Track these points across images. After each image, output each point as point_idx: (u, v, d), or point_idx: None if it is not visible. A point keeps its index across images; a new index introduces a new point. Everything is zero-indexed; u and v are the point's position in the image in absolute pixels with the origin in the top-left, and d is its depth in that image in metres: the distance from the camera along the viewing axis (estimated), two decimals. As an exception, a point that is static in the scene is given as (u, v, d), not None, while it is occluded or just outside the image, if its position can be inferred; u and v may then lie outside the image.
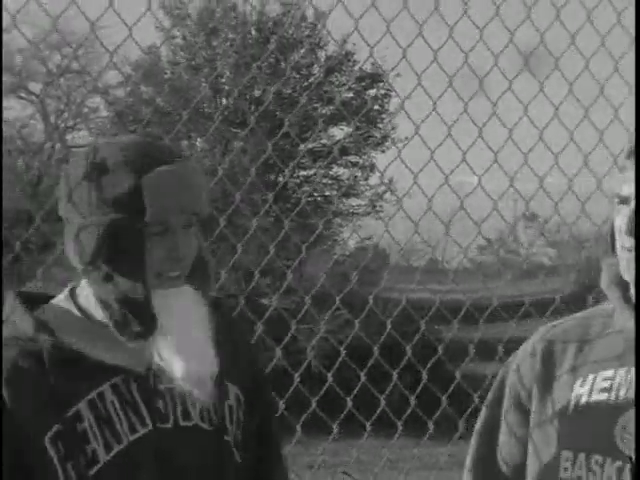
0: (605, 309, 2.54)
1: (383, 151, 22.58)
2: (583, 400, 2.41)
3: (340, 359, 3.28)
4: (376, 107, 22.52)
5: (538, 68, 3.86)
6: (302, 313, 3.36)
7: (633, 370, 2.39)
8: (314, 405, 3.24)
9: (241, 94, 19.94)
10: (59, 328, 2.18)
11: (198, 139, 18.51)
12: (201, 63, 21.32)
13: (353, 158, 22.80)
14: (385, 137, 22.58)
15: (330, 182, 23.11)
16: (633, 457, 2.33)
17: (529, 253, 23.98)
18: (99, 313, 2.20)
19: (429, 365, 3.37)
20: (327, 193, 22.71)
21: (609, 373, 2.41)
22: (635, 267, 2.50)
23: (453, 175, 3.64)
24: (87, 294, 2.23)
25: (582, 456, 2.37)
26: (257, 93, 20.66)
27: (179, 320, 2.21)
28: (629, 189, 2.36)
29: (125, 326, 2.17)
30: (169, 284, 2.19)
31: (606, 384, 2.40)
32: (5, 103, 21.41)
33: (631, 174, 2.36)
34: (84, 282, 2.23)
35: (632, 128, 3.85)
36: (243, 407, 2.32)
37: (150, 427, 2.17)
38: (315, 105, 21.39)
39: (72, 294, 2.26)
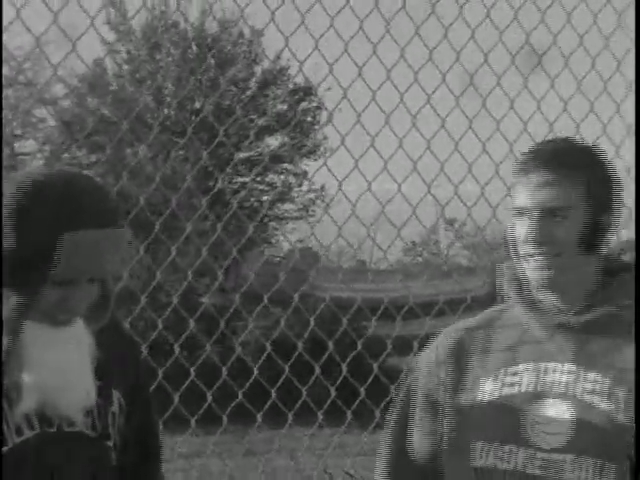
0: (504, 308, 2.55)
1: (315, 160, 22.56)
2: (494, 394, 2.41)
3: (266, 354, 3.28)
4: (308, 119, 22.50)
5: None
6: (231, 311, 3.35)
7: (543, 364, 2.39)
8: (240, 396, 3.24)
9: (181, 105, 19.84)
10: None
11: (141, 147, 18.37)
12: (144, 76, 21.18)
13: (287, 166, 22.76)
14: (317, 147, 22.55)
15: (265, 188, 23.06)
16: (546, 447, 2.35)
17: (448, 255, 24.07)
18: None
19: (349, 359, 3.38)
20: (262, 198, 22.66)
21: (516, 368, 2.41)
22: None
23: (379, 182, 3.65)
24: None
25: (494, 445, 2.37)
26: (197, 105, 20.56)
27: (54, 354, 2.13)
28: (524, 201, 2.37)
29: None
30: (55, 324, 2.12)
31: (514, 379, 2.40)
32: (-45, 112, 21.16)
33: (522, 188, 2.37)
34: None
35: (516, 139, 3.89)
36: (125, 411, 2.27)
37: (37, 430, 2.14)
38: (251, 117, 21.32)
39: None
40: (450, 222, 20.49)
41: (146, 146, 17.71)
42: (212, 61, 19.53)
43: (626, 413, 2.33)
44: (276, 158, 22.05)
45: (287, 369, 2.92)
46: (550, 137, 2.60)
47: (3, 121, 21.25)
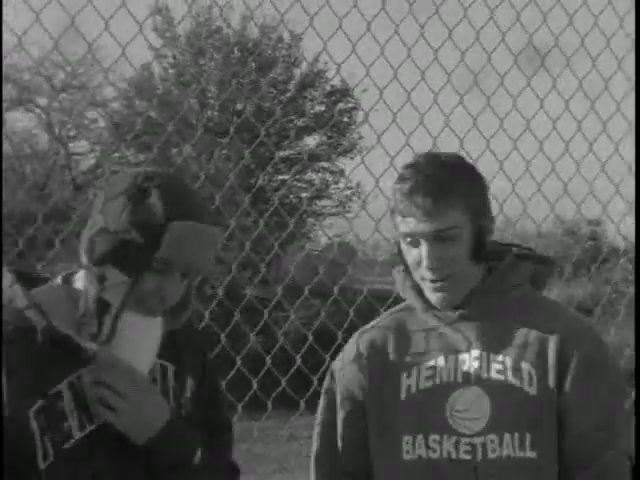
0: (405, 308, 2.57)
1: (351, 158, 22.56)
2: (412, 389, 2.43)
3: (307, 344, 3.29)
4: (345, 119, 22.49)
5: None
6: (274, 302, 3.37)
7: (452, 357, 2.42)
8: (283, 384, 3.25)
9: (224, 107, 19.90)
10: (51, 311, 2.15)
11: (185, 147, 18.44)
12: (189, 79, 21.23)
13: (324, 164, 22.77)
14: (353, 145, 22.55)
15: (304, 186, 23.08)
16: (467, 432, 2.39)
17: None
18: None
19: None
20: (301, 195, 22.68)
21: (430, 363, 2.43)
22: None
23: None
24: (82, 283, 2.21)
25: (420, 437, 2.39)
26: (239, 106, 20.60)
27: (135, 342, 2.17)
28: (411, 228, 2.36)
29: (89, 325, 2.15)
30: (145, 313, 2.17)
31: (429, 372, 2.42)
32: (14, 115, 21.31)
33: (407, 215, 2.37)
34: (82, 273, 2.21)
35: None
36: (195, 396, 2.30)
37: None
38: (290, 117, 21.35)
39: (67, 280, 2.24)
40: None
41: (190, 146, 17.78)
42: (253, 65, 19.57)
43: (533, 385, 2.37)
44: (314, 157, 22.07)
45: (327, 358, 2.92)
46: (419, 157, 2.49)
47: (55, 123, 21.39)
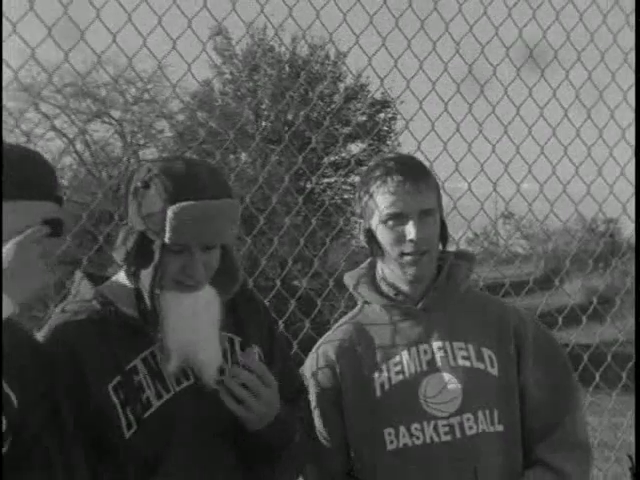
0: (356, 312, 2.56)
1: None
2: (386, 386, 2.41)
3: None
4: (385, 128, 22.43)
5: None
6: (326, 292, 3.36)
7: (413, 349, 2.42)
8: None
9: (277, 118, 19.92)
10: (118, 300, 2.17)
11: (243, 154, 18.46)
12: (245, 93, 21.29)
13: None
14: (392, 151, 22.49)
15: (348, 188, 23.03)
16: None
17: (507, 244, 23.81)
18: None
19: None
20: (346, 197, 22.64)
21: (397, 359, 2.42)
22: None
23: (451, 182, 3.65)
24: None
25: (403, 429, 2.37)
26: (290, 117, 20.60)
27: (185, 317, 2.15)
28: (398, 207, 2.39)
29: (140, 314, 2.17)
30: (184, 290, 2.15)
31: (398, 367, 2.41)
32: (93, 126, 21.47)
33: (390, 196, 2.39)
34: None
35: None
36: (264, 362, 2.28)
37: (191, 380, 2.16)
38: (336, 127, 21.31)
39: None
40: (508, 216, 20.28)
41: (247, 153, 17.81)
42: (303, 80, 19.56)
43: (495, 367, 2.40)
44: (358, 162, 22.06)
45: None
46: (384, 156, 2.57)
47: (127, 133, 21.54)
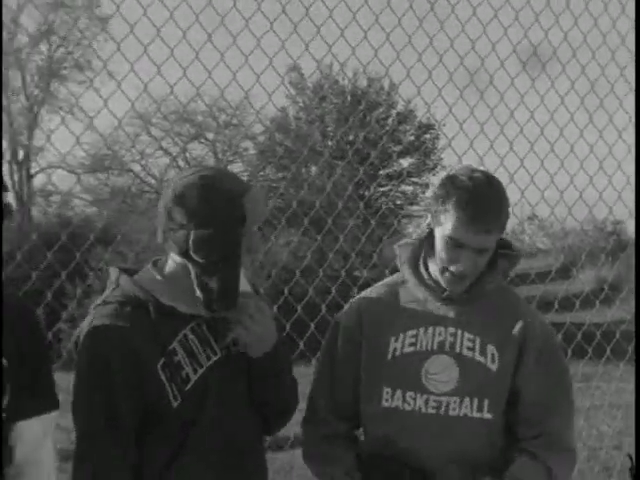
0: (397, 281, 2.41)
1: (434, 174, 22.34)
2: (398, 352, 2.31)
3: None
4: (429, 145, 22.32)
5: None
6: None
7: (431, 328, 2.30)
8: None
9: (341, 138, 19.90)
10: (153, 289, 2.12)
11: (313, 167, 18.51)
12: (314, 118, 21.32)
13: (415, 179, 22.63)
14: (436, 165, 22.36)
15: (399, 195, 22.97)
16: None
17: (531, 241, 23.49)
18: (182, 281, 2.13)
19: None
20: (398, 202, 22.58)
21: (414, 332, 2.31)
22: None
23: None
24: (171, 267, 2.16)
25: (399, 392, 2.28)
26: (351, 137, 20.59)
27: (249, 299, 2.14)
28: (461, 236, 2.19)
29: (212, 301, 2.10)
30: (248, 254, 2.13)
31: (412, 340, 2.30)
32: (190, 146, 21.69)
33: (460, 225, 2.18)
34: (170, 259, 2.16)
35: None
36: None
37: (219, 355, 2.14)
38: (390, 145, 21.26)
39: (155, 265, 2.20)
40: (533, 218, 20.03)
41: (317, 166, 17.83)
42: (362, 107, 19.50)
43: (495, 363, 2.27)
44: (407, 174, 21.99)
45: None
46: (472, 171, 2.25)
47: (218, 152, 21.71)
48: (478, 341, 2.28)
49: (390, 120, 21.64)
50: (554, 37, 3.83)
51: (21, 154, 21.04)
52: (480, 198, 2.18)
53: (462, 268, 2.21)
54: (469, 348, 2.27)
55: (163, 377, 2.06)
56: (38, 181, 21.33)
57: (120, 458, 2.02)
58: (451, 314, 2.30)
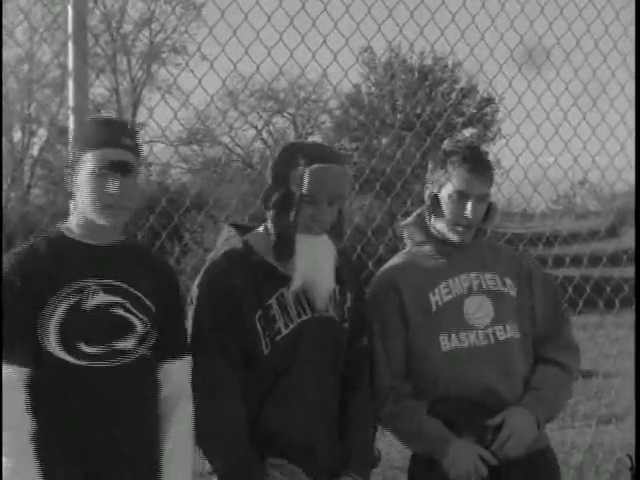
0: (407, 251, 2.50)
1: (494, 144, 22.01)
2: (439, 303, 2.38)
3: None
4: (489, 118, 21.94)
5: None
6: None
7: (456, 276, 2.40)
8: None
9: (409, 111, 19.73)
10: (260, 249, 2.16)
11: (384, 139, 18.41)
12: (385, 94, 21.14)
13: (476, 148, 22.32)
14: (495, 135, 22.00)
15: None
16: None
17: (582, 203, 22.98)
18: None
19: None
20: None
21: (444, 284, 2.41)
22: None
23: (542, 157, 3.61)
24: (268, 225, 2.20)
25: (453, 335, 2.36)
26: (419, 110, 20.36)
27: (312, 252, 2.14)
28: (463, 187, 2.36)
29: (276, 250, 2.14)
30: (311, 232, 2.14)
31: (446, 290, 2.39)
32: (273, 120, 21.82)
33: (461, 177, 2.35)
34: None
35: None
36: (353, 303, 2.28)
37: (310, 314, 2.17)
38: (453, 117, 20.97)
39: (266, 227, 2.22)
40: (584, 182, 19.61)
41: (387, 138, 17.74)
42: (428, 82, 19.27)
43: (514, 291, 2.42)
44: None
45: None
46: (464, 141, 2.53)
47: (298, 124, 21.75)
48: (497, 277, 2.42)
49: (454, 95, 21.32)
50: (606, 16, 3.74)
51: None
52: (475, 154, 2.39)
53: (471, 216, 2.35)
54: (494, 284, 2.41)
55: (259, 327, 2.11)
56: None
57: (234, 377, 2.09)
58: (469, 262, 2.43)
